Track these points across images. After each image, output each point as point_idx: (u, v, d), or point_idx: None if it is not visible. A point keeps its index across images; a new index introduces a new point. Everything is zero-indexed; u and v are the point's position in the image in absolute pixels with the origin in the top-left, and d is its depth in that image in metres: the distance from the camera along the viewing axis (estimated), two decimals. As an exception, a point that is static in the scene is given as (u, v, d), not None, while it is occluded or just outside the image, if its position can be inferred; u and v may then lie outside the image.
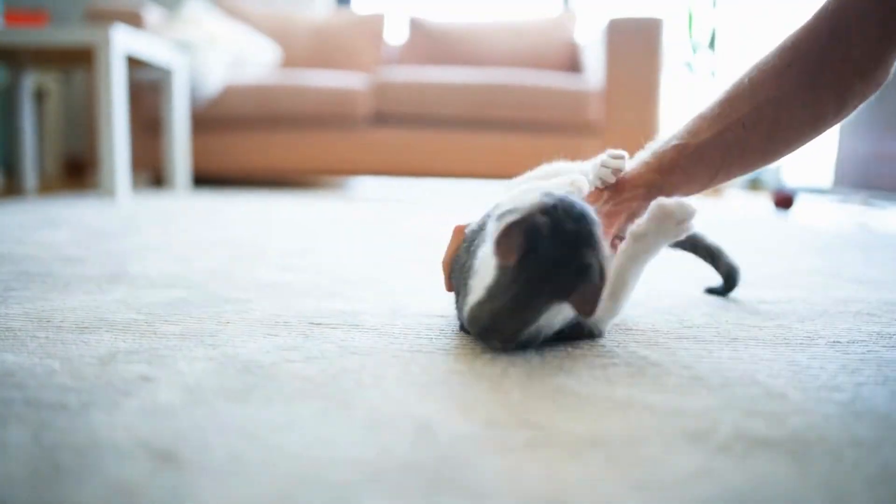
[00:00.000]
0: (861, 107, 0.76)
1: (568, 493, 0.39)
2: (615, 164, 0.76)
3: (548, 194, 0.65)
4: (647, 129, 3.01)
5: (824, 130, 0.78)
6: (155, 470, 0.41)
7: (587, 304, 0.63)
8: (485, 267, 0.66)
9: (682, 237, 0.69)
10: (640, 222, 0.68)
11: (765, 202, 3.23)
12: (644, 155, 0.79)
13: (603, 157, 0.77)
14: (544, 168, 0.84)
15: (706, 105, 0.78)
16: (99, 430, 0.46)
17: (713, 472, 0.43)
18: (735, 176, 0.80)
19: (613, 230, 0.75)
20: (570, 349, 0.69)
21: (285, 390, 0.55)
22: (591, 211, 0.65)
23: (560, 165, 0.83)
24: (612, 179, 0.76)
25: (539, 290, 0.62)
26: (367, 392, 0.55)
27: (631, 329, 0.78)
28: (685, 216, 0.67)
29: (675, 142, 0.77)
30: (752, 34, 4.13)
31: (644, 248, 0.68)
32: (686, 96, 4.15)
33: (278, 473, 0.41)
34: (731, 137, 0.75)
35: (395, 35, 3.83)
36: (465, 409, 0.52)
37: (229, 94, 3.14)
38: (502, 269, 0.63)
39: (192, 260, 1.21)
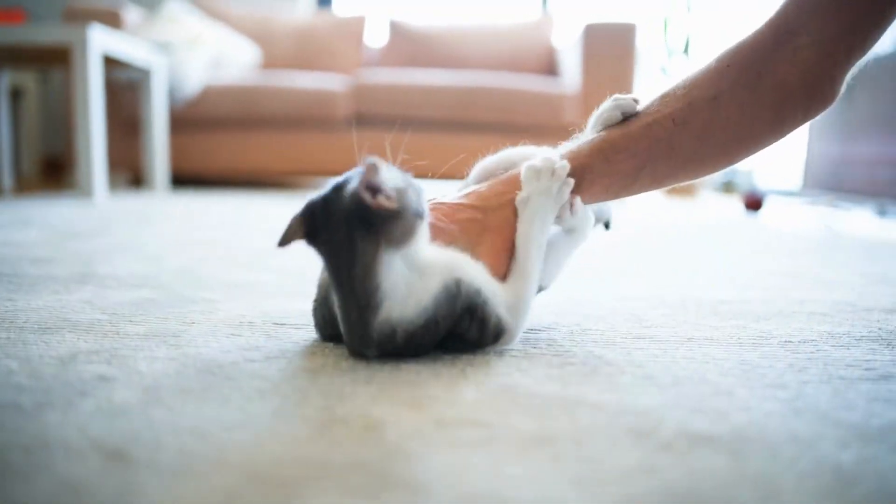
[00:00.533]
0: (822, 115, 0.72)
1: (510, 489, 0.40)
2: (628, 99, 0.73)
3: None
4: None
5: (763, 141, 0.74)
6: (104, 469, 0.41)
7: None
8: None
9: (566, 195, 0.68)
10: (520, 192, 0.68)
11: (736, 204, 3.27)
12: (567, 144, 0.74)
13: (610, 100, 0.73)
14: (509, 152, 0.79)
15: (643, 104, 0.74)
16: (51, 430, 0.46)
17: (653, 468, 0.43)
18: (664, 179, 0.75)
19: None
20: (529, 349, 0.70)
21: (243, 389, 0.55)
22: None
23: (524, 150, 0.78)
24: (635, 108, 0.73)
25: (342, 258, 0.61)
26: (323, 391, 0.55)
27: (590, 329, 0.79)
28: (552, 165, 0.67)
29: (604, 133, 0.73)
30: (726, 40, 4.17)
31: (532, 213, 0.67)
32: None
33: (227, 471, 0.41)
34: (658, 131, 0.71)
35: (376, 37, 3.83)
36: (418, 408, 0.52)
37: (209, 94, 3.13)
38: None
39: (163, 260, 1.20)
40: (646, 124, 0.71)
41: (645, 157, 0.72)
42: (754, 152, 0.75)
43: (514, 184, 0.70)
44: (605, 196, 0.74)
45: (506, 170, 0.75)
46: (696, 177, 0.78)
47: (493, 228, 0.69)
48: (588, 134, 0.75)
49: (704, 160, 0.75)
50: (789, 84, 0.70)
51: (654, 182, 0.74)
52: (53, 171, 3.87)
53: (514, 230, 0.69)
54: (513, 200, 0.69)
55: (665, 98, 0.73)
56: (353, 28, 3.67)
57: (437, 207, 0.70)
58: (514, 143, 0.81)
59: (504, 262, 0.67)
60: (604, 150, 0.71)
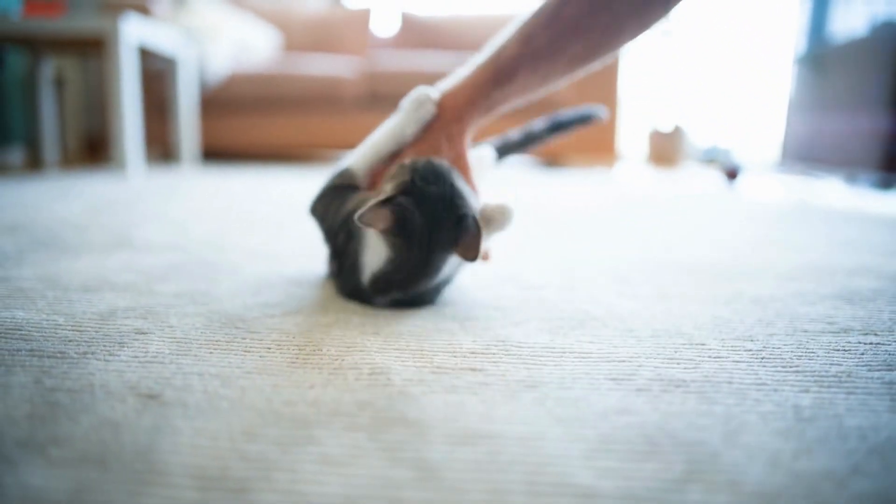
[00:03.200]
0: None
1: (499, 426, 0.41)
2: (429, 107, 0.71)
3: (406, 164, 0.65)
4: (609, 103, 3.19)
5: (640, 36, 0.71)
6: (140, 408, 0.42)
7: (470, 251, 0.62)
8: (374, 242, 0.65)
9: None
10: (489, 225, 0.67)
11: (716, 175, 3.25)
12: (479, 60, 0.71)
13: (411, 104, 0.72)
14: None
15: (540, 5, 0.69)
16: (94, 376, 0.47)
17: (630, 408, 0.44)
18: (559, 82, 0.72)
19: (465, 142, 0.71)
20: (521, 306, 0.70)
21: (263, 341, 0.56)
22: (447, 167, 0.65)
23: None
24: (432, 110, 0.71)
25: (430, 251, 0.63)
26: (335, 342, 0.56)
27: (578, 288, 0.80)
28: (509, 208, 0.68)
29: (510, 50, 0.69)
30: (707, 13, 4.13)
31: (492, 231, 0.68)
32: (641, 82, 4.14)
33: (247, 411, 0.42)
34: (564, 43, 0.68)
35: (388, 27, 3.92)
36: (420, 357, 0.53)
37: (235, 79, 3.15)
38: (391, 242, 0.64)
39: (191, 228, 1.21)
40: (552, 38, 0.68)
41: (552, 67, 0.69)
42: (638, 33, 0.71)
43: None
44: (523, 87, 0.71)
45: None
46: (588, 66, 0.72)
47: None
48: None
49: (603, 51, 0.71)
50: None
51: (555, 80, 0.72)
52: (96, 147, 3.87)
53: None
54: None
55: (562, 5, 0.68)
56: (361, 18, 3.73)
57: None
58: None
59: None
60: (518, 74, 0.69)
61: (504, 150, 0.89)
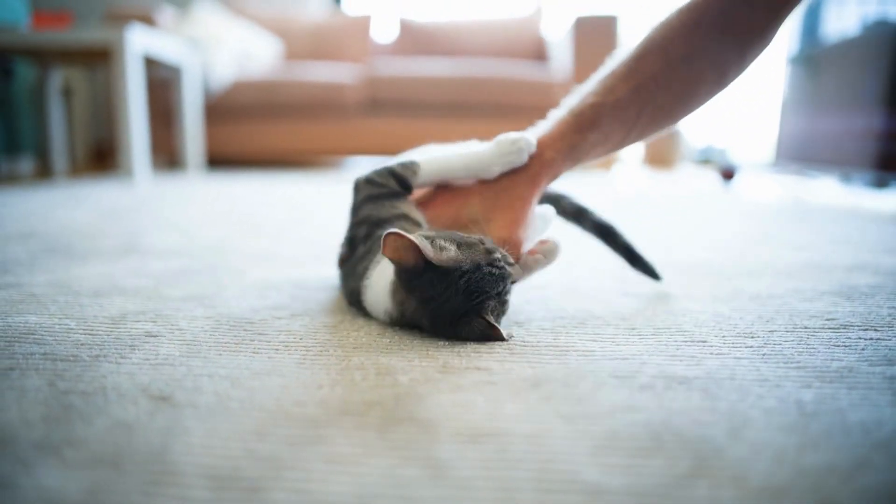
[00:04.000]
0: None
1: (506, 424, 0.41)
2: (524, 157, 0.67)
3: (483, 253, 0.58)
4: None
5: (721, 91, 0.71)
6: (152, 410, 0.42)
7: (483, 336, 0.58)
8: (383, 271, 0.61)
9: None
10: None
11: (713, 176, 3.24)
12: (560, 113, 0.70)
13: (509, 145, 0.66)
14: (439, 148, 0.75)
15: (617, 61, 0.69)
16: (106, 378, 0.47)
17: (634, 406, 0.44)
18: (642, 137, 0.71)
19: (539, 192, 0.68)
20: (525, 306, 0.70)
21: (271, 342, 0.56)
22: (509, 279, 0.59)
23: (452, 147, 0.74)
24: (524, 159, 0.67)
25: (432, 322, 0.58)
26: (341, 343, 0.56)
27: (579, 288, 0.79)
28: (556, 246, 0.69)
29: (591, 99, 0.68)
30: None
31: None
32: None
33: (257, 411, 0.42)
34: (645, 95, 0.67)
35: (386, 33, 3.88)
36: (426, 357, 0.53)
37: (238, 87, 3.14)
38: (398, 287, 0.59)
39: (197, 233, 1.21)
40: (633, 88, 0.67)
41: (634, 121, 0.69)
42: (712, 99, 0.72)
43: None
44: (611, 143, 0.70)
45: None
46: (665, 129, 0.73)
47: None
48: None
49: (678, 115, 0.72)
50: (748, 38, 0.68)
51: (633, 140, 0.71)
52: (104, 155, 3.88)
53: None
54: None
55: (644, 58, 0.68)
56: (361, 25, 3.71)
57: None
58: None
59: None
60: (599, 123, 0.68)
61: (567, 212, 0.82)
